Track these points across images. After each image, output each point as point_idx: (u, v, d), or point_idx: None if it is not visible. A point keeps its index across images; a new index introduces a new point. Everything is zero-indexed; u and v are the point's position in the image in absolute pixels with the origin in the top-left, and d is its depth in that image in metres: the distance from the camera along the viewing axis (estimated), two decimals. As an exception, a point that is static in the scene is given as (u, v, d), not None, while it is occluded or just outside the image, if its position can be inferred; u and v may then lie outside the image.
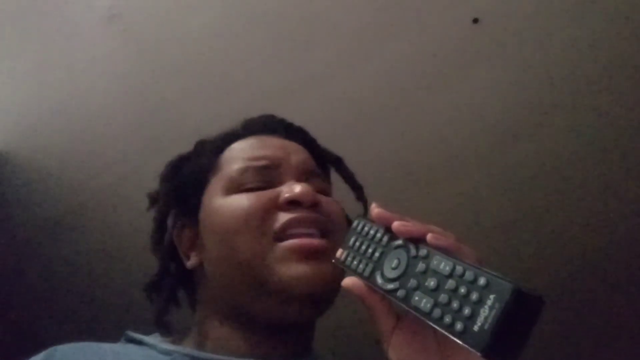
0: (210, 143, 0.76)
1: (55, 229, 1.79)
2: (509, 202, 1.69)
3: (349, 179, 0.78)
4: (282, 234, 0.62)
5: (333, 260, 0.55)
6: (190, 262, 0.69)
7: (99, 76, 1.50)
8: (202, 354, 0.63)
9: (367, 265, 0.51)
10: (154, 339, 0.67)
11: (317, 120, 1.53)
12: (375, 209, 0.52)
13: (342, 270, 0.58)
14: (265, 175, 0.67)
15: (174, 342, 0.68)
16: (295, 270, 0.60)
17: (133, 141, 1.61)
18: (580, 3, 1.34)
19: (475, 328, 0.39)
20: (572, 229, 1.73)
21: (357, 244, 0.53)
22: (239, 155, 0.70)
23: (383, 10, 1.37)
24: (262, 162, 0.68)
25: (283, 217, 0.62)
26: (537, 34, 1.39)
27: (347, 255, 0.54)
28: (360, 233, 0.54)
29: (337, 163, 0.79)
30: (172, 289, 0.73)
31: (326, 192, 0.72)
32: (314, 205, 0.64)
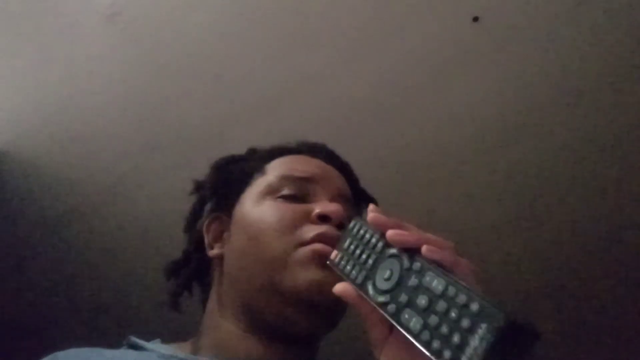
0: (262, 150, 0.81)
1: (54, 228, 1.79)
2: (508, 201, 1.69)
3: None
4: (307, 243, 0.64)
5: (327, 262, 0.54)
6: (213, 251, 0.72)
7: (98, 75, 1.50)
8: (197, 358, 0.64)
9: (359, 272, 0.49)
10: (154, 345, 0.67)
11: (317, 120, 1.53)
12: (371, 212, 0.50)
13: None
14: (301, 187, 0.70)
15: (173, 347, 0.68)
16: (312, 274, 0.61)
17: (133, 140, 1.61)
18: (581, 2, 1.34)
19: (464, 357, 0.37)
20: (572, 228, 1.73)
21: (352, 247, 0.51)
22: (283, 165, 0.74)
23: (382, 9, 1.37)
24: (301, 174, 0.71)
25: (312, 229, 0.64)
26: (537, 33, 1.39)
27: (341, 259, 0.52)
28: (355, 235, 0.52)
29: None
30: (190, 276, 0.76)
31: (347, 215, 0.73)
32: (342, 225, 0.64)
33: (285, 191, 0.69)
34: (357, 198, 0.79)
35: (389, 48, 1.43)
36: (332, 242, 0.62)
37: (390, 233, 0.47)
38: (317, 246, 0.62)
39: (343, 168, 0.79)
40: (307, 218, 0.66)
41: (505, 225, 1.73)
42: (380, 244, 0.49)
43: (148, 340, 0.68)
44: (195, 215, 0.79)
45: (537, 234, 1.75)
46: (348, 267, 0.51)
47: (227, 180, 0.77)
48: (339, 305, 0.62)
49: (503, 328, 0.37)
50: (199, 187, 0.81)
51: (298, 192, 0.69)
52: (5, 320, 1.92)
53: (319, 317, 0.63)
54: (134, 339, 0.68)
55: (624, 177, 1.62)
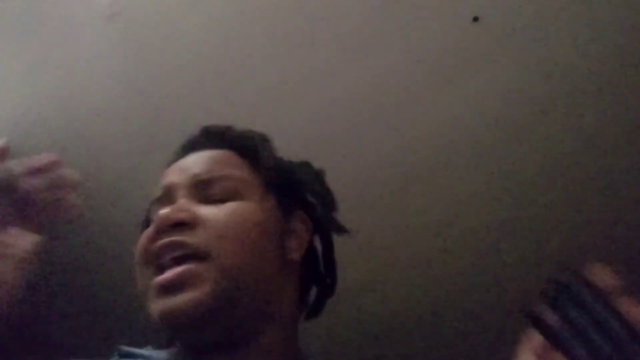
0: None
1: (53, 228, 1.78)
2: (509, 201, 1.69)
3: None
4: (159, 265, 0.59)
5: (533, 316, 0.45)
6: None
7: (98, 74, 1.50)
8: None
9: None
10: (148, 352, 0.66)
11: (318, 119, 1.53)
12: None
13: (228, 285, 0.57)
14: (163, 203, 0.64)
15: (168, 353, 0.67)
16: (155, 306, 0.58)
17: (132, 139, 1.61)
18: (581, 1, 1.34)
19: None
20: (572, 228, 1.73)
21: (574, 316, 0.43)
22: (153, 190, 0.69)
23: (383, 9, 1.37)
24: (159, 192, 0.66)
25: (155, 248, 0.60)
26: (537, 33, 1.38)
27: (561, 329, 0.43)
28: (575, 301, 0.43)
29: (253, 153, 0.70)
30: None
31: (229, 194, 0.64)
32: (182, 227, 0.59)
33: (153, 216, 0.64)
34: (241, 148, 0.69)
35: (390, 48, 1.43)
36: (170, 251, 0.59)
37: None
38: (154, 280, 0.58)
39: (219, 141, 0.71)
40: (154, 239, 0.61)
41: (505, 225, 1.73)
42: (622, 332, 0.40)
43: (141, 346, 0.68)
44: None
45: (538, 234, 1.75)
46: (575, 348, 0.42)
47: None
48: (196, 320, 0.57)
49: None
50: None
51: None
52: (5, 319, 1.92)
53: (178, 335, 0.62)
54: (125, 348, 0.66)
55: (625, 176, 1.62)
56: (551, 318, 0.43)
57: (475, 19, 1.37)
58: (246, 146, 0.70)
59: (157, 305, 0.58)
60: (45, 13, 1.40)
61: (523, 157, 1.61)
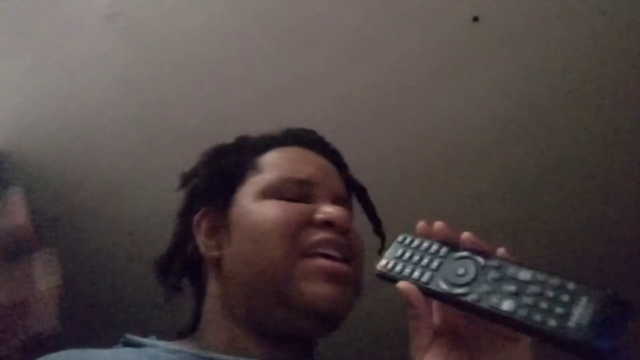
0: (253, 141, 0.78)
1: (55, 227, 1.79)
2: (509, 200, 1.69)
3: (370, 210, 0.81)
4: (311, 251, 0.64)
5: (378, 270, 0.55)
6: (211, 253, 0.70)
7: (98, 74, 1.50)
8: (208, 354, 0.63)
9: (423, 273, 0.51)
10: (154, 341, 0.66)
11: (318, 119, 1.53)
12: (437, 223, 0.54)
13: (357, 294, 0.65)
14: (302, 189, 0.69)
15: (176, 342, 0.67)
16: (320, 289, 0.62)
17: (133, 139, 1.61)
18: (581, 1, 1.34)
19: (572, 323, 0.40)
20: (572, 227, 1.73)
21: (408, 254, 0.54)
22: (281, 163, 0.72)
23: (383, 9, 1.37)
24: (303, 176, 0.70)
25: (315, 234, 0.65)
26: (537, 32, 1.39)
27: (395, 265, 0.54)
28: (409, 245, 0.54)
29: (362, 193, 0.81)
30: (179, 273, 0.73)
31: (351, 219, 0.73)
32: (345, 231, 0.66)
33: (286, 194, 0.68)
34: (348, 187, 0.78)
35: (389, 48, 1.43)
36: (335, 247, 0.65)
37: (467, 235, 0.51)
38: (322, 263, 0.63)
39: (334, 157, 0.78)
40: (310, 221, 0.66)
41: (505, 224, 1.73)
42: (443, 250, 0.52)
43: (145, 334, 0.67)
44: (186, 209, 0.75)
45: (538, 233, 1.75)
46: (407, 270, 0.52)
47: (219, 173, 0.74)
48: (346, 314, 0.65)
49: (604, 299, 0.40)
50: (186, 180, 0.78)
51: (298, 194, 0.69)
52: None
53: (326, 324, 0.64)
54: (131, 337, 0.67)
55: (625, 175, 1.62)
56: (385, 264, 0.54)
57: (475, 19, 1.37)
58: (348, 175, 0.79)
59: (323, 289, 0.62)
60: (45, 13, 1.40)
61: (523, 156, 1.61)
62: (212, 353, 0.63)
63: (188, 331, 0.72)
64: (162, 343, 0.66)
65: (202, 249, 0.71)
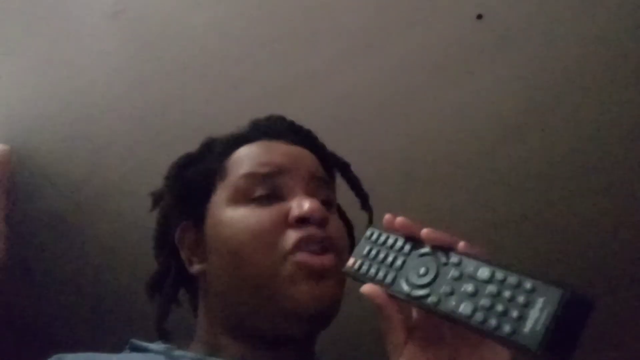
0: (218, 144, 0.75)
1: (59, 226, 1.79)
2: (511, 199, 1.69)
3: (355, 186, 0.78)
4: (290, 255, 0.62)
5: (343, 270, 0.55)
6: (195, 269, 0.69)
7: (102, 72, 1.51)
8: (208, 358, 0.63)
9: (387, 273, 0.50)
10: (159, 346, 0.67)
11: (320, 118, 1.53)
12: (399, 218, 0.51)
13: (343, 282, 0.62)
14: (271, 183, 0.66)
15: (180, 348, 0.67)
16: (307, 289, 0.60)
17: (137, 137, 1.61)
18: (584, 0, 1.33)
19: (526, 329, 0.39)
20: (573, 227, 1.73)
21: (373, 252, 0.53)
22: (245, 161, 0.69)
23: (386, 7, 1.37)
24: (267, 169, 0.67)
25: (292, 235, 0.62)
26: (541, 31, 1.38)
27: (361, 264, 0.53)
28: (375, 242, 0.53)
29: (344, 169, 0.79)
30: (174, 290, 0.72)
31: (331, 202, 0.71)
32: (322, 222, 0.64)
33: (255, 193, 0.65)
34: (328, 166, 0.75)
35: (393, 45, 1.43)
36: (315, 242, 0.62)
37: (426, 231, 0.49)
38: (301, 257, 0.61)
39: (306, 140, 0.75)
40: (285, 222, 0.63)
41: (506, 224, 1.72)
42: (407, 246, 0.51)
43: (149, 341, 0.68)
44: (162, 230, 0.74)
45: (539, 232, 1.75)
46: (372, 271, 0.52)
47: (188, 188, 0.72)
48: (335, 311, 0.63)
49: (560, 299, 0.39)
50: (157, 199, 0.77)
51: (269, 190, 0.65)
52: (10, 317, 1.93)
53: (318, 323, 0.63)
54: (137, 342, 0.67)
55: (626, 175, 1.62)
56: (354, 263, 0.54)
57: (479, 17, 1.36)
58: (326, 155, 0.76)
59: (309, 288, 0.60)
60: (49, 11, 1.40)
61: (526, 155, 1.60)
62: (213, 359, 0.63)
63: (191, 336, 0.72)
64: (166, 348, 0.66)
65: (187, 265, 0.70)
